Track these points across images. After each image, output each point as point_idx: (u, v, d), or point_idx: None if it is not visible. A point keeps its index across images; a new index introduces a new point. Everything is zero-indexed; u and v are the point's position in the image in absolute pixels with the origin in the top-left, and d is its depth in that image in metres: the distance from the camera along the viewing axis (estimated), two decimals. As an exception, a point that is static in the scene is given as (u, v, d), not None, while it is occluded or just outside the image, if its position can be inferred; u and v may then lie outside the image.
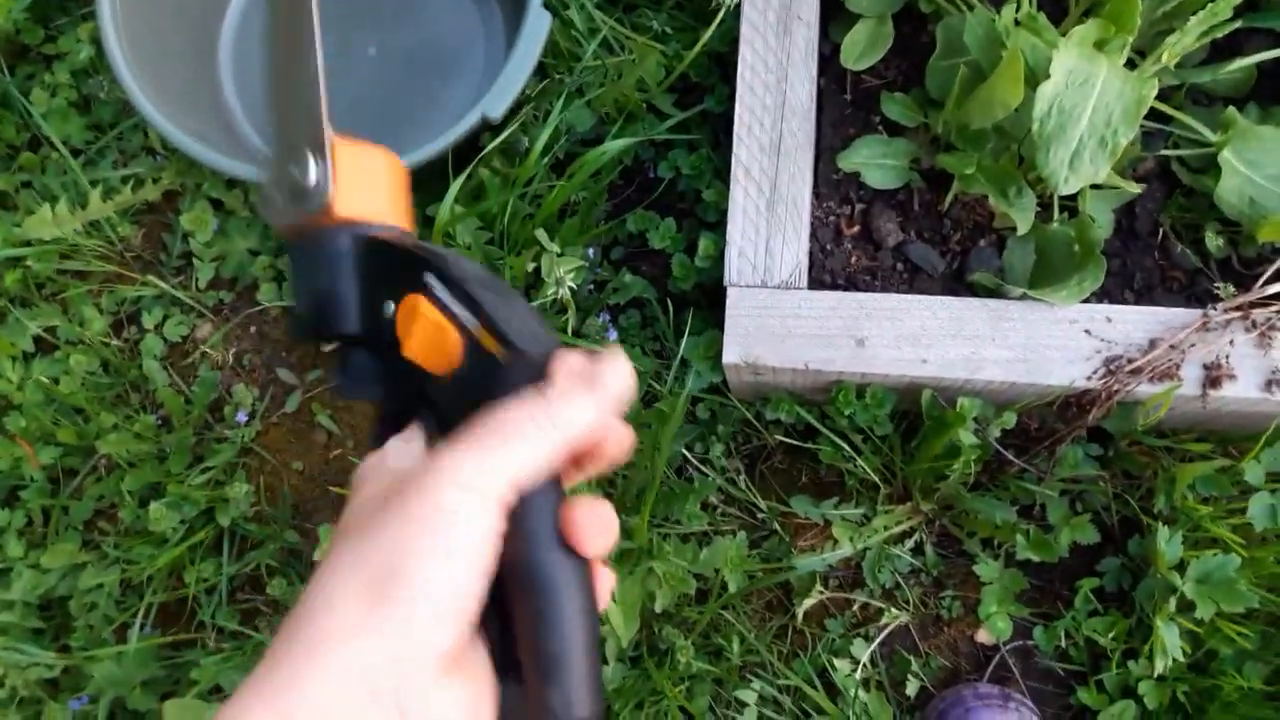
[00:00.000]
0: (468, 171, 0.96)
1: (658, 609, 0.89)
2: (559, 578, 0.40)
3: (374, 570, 0.35)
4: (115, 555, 1.01)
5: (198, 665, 0.96)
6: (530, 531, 0.40)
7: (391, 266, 0.44)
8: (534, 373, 0.41)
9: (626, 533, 0.91)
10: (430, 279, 0.43)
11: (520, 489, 0.37)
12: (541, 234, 0.94)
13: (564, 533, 0.39)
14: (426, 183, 1.03)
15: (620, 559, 0.90)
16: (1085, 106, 0.73)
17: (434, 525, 0.35)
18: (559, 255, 0.93)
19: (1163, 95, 0.90)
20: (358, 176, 0.45)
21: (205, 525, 1.02)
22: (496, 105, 0.94)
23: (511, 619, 0.40)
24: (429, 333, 0.42)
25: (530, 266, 0.97)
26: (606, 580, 0.43)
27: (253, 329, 1.10)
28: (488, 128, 0.96)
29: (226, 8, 1.16)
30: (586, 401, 0.39)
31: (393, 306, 0.43)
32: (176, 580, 1.02)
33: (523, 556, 0.40)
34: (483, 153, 0.98)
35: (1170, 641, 0.81)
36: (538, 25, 0.95)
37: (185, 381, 1.08)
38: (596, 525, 0.39)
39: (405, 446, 0.42)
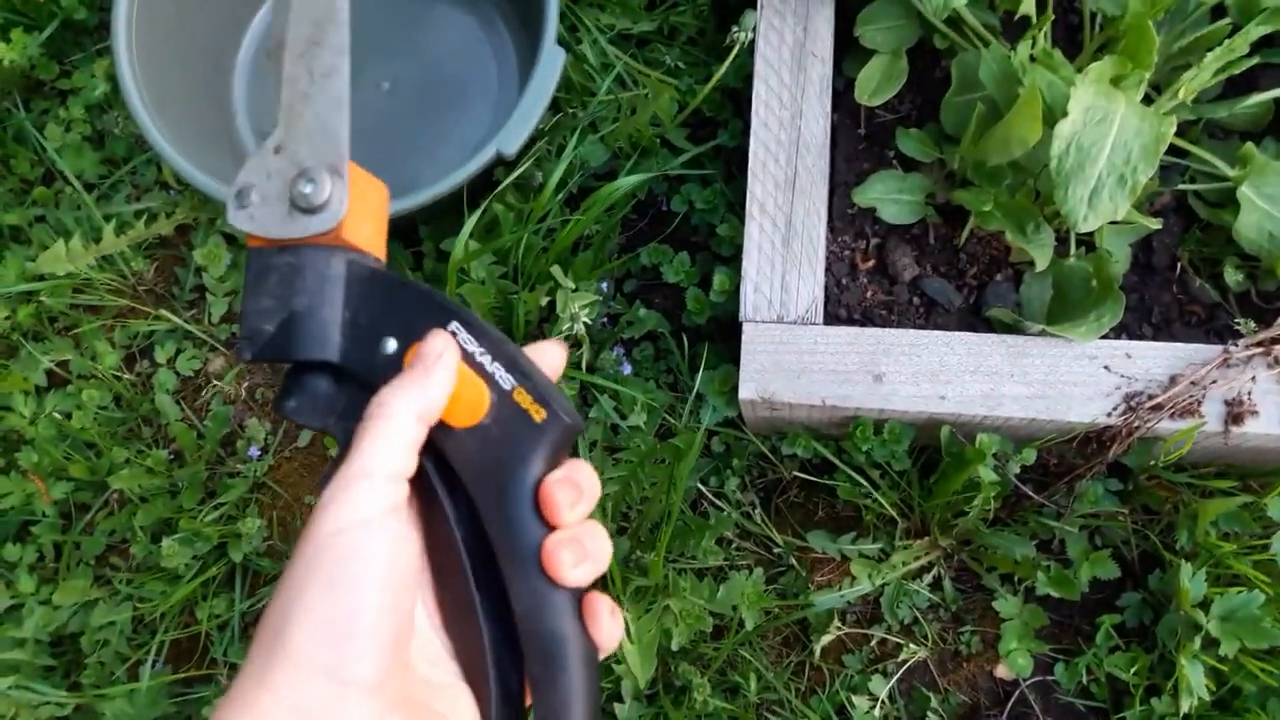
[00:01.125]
0: (483, 207, 0.96)
1: (674, 646, 0.88)
2: (559, 644, 0.42)
3: (266, 629, 0.37)
4: (127, 592, 1.01)
5: (210, 703, 0.95)
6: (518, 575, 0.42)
7: (401, 305, 0.44)
8: (567, 437, 0.43)
9: (642, 570, 0.91)
10: (459, 329, 0.43)
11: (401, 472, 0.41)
12: (556, 270, 0.94)
13: (543, 563, 0.41)
14: (440, 217, 1.03)
15: (636, 596, 0.90)
16: (1104, 144, 0.73)
17: (324, 556, 0.38)
18: (573, 290, 0.93)
19: (1179, 130, 0.90)
20: (365, 204, 0.45)
21: (218, 561, 1.01)
22: (511, 141, 0.94)
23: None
24: (457, 384, 0.42)
25: (544, 301, 0.96)
26: (603, 609, 0.43)
27: (265, 364, 1.09)
28: (502, 163, 0.96)
29: (240, 44, 1.16)
30: (419, 383, 0.42)
31: (394, 344, 0.43)
32: (189, 616, 1.01)
33: (525, 617, 0.42)
34: (497, 188, 0.98)
35: (1195, 680, 0.80)
36: (551, 62, 0.95)
37: (198, 416, 1.08)
38: (571, 554, 0.41)
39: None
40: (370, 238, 0.46)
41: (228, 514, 1.03)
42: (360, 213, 0.45)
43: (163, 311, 1.10)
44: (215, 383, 1.08)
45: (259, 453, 1.05)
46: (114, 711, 0.95)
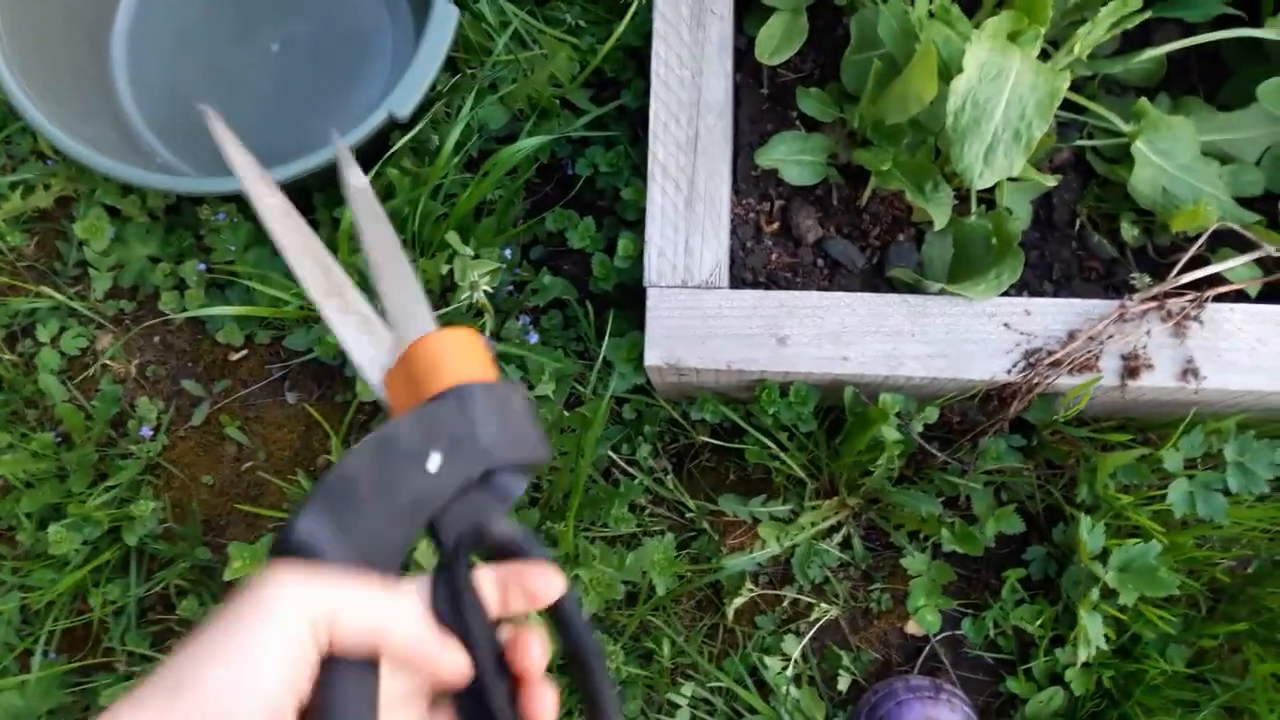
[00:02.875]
0: (374, 170, 0.93)
1: (585, 615, 0.87)
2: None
3: (168, 675, 0.34)
4: (14, 581, 0.96)
5: (106, 691, 0.92)
6: None
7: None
8: None
9: (552, 540, 0.89)
10: None
11: (334, 637, 0.37)
12: (453, 236, 0.91)
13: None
14: (334, 184, 0.99)
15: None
16: (999, 100, 0.73)
17: (239, 622, 0.35)
18: (473, 258, 0.90)
19: (1076, 86, 0.90)
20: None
21: (111, 546, 0.97)
22: (403, 103, 0.91)
23: None
24: None
25: (444, 269, 0.94)
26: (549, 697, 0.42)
27: (156, 339, 1.05)
28: (396, 126, 0.93)
29: (118, 7, 1.10)
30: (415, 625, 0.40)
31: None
32: (81, 604, 0.97)
33: None
34: (390, 151, 0.95)
35: (1093, 630, 0.81)
36: (444, 20, 0.92)
37: (86, 396, 1.03)
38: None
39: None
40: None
41: (120, 497, 0.98)
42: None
43: (44, 288, 1.05)
44: (103, 360, 1.04)
45: (151, 433, 1.01)
46: (4, 704, 0.91)
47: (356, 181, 0.55)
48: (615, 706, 0.43)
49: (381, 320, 0.51)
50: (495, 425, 0.44)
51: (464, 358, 0.46)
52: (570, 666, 0.43)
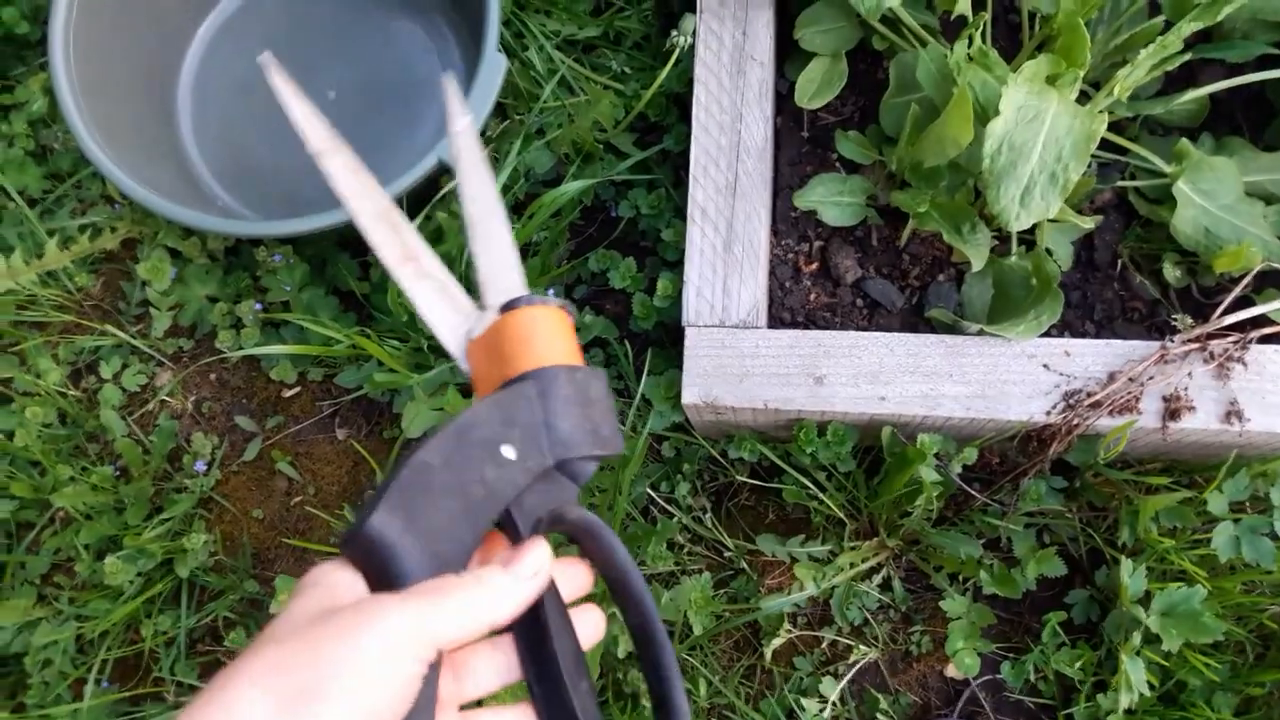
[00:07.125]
0: (424, 214, 0.96)
1: (620, 654, 0.87)
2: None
3: (288, 685, 0.34)
4: (71, 611, 0.99)
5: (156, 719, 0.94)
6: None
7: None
8: None
9: (590, 577, 0.90)
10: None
11: (441, 650, 0.38)
12: (499, 276, 0.93)
13: None
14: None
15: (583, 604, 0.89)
16: (1035, 142, 0.73)
17: (351, 660, 0.35)
18: (517, 298, 0.92)
19: (1118, 127, 0.90)
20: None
21: (164, 577, 1.00)
22: (452, 148, 0.93)
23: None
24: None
25: (490, 309, 0.96)
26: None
27: (212, 376, 1.08)
28: (445, 171, 0.96)
29: (184, 55, 1.15)
30: (508, 585, 0.40)
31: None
32: (134, 634, 1.00)
33: None
34: (440, 194, 0.97)
35: (1135, 676, 0.80)
36: (493, 69, 0.94)
37: (144, 431, 1.07)
38: None
39: (354, 580, 0.40)
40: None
41: (174, 529, 1.01)
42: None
43: (108, 326, 1.09)
44: (161, 396, 1.07)
45: (205, 467, 1.03)
46: (57, 732, 0.94)
47: (459, 125, 0.53)
48: (680, 693, 0.42)
49: (459, 286, 0.49)
50: (574, 415, 0.44)
51: (550, 338, 0.45)
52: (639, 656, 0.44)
